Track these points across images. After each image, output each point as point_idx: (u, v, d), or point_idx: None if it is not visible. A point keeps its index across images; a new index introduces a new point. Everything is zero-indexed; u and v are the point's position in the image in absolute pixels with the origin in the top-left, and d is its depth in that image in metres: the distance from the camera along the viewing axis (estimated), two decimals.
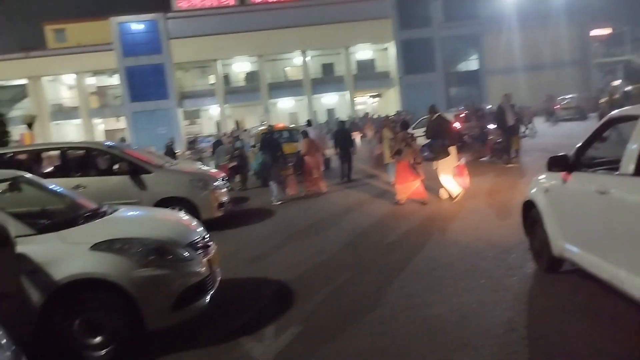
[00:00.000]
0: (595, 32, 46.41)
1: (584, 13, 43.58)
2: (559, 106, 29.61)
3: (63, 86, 47.94)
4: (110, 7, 45.19)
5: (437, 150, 9.55)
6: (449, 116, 15.25)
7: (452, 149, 9.63)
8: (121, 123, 45.67)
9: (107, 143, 9.96)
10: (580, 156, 4.56)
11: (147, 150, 14.02)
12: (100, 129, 47.26)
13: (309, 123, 15.44)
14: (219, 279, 4.78)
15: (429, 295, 4.76)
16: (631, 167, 3.61)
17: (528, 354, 3.51)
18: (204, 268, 4.41)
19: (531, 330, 3.83)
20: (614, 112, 4.43)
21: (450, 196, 9.43)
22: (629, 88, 27.56)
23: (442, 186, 9.61)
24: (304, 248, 7.20)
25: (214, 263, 4.66)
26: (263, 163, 11.52)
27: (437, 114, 10.39)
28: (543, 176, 5.08)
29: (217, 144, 20.17)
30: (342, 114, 43.62)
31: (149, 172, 8.65)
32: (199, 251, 4.49)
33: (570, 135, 17.80)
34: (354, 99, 45.51)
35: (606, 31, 47.58)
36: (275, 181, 11.73)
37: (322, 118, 41.93)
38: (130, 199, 8.14)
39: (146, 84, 43.19)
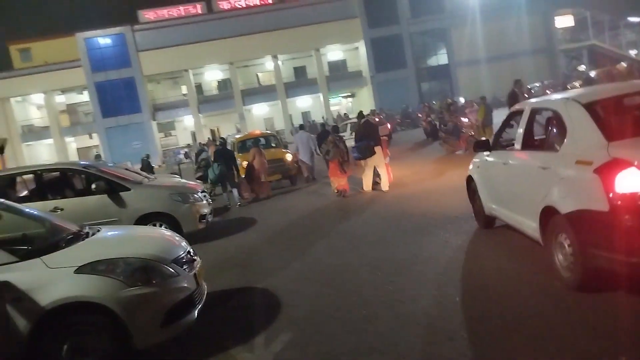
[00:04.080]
0: (559, 19, 47.35)
1: (547, 1, 44.47)
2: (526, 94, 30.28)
3: (32, 106, 47.14)
4: (75, 24, 44.64)
5: (363, 150, 10.87)
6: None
7: (378, 149, 11.00)
8: (94, 140, 45.06)
9: (83, 162, 9.86)
10: (497, 139, 6.19)
11: (124, 167, 13.92)
12: (73, 148, 46.57)
13: (301, 126, 17.78)
14: (205, 292, 4.81)
15: (412, 291, 4.89)
16: (519, 145, 5.31)
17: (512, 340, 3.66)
18: (191, 283, 4.45)
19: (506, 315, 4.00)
20: (514, 107, 6.06)
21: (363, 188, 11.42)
22: (592, 73, 28.33)
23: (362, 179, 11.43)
24: (286, 254, 7.26)
25: (200, 277, 4.69)
26: (220, 173, 12.78)
27: (364, 119, 11.82)
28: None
29: (200, 152, 19.93)
30: (317, 116, 43.77)
31: (127, 190, 8.61)
32: (185, 266, 4.52)
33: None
34: (328, 100, 45.69)
35: (569, 17, 48.53)
36: (232, 187, 13.02)
37: (297, 121, 41.97)
38: (111, 217, 8.12)
39: (117, 98, 42.68)
